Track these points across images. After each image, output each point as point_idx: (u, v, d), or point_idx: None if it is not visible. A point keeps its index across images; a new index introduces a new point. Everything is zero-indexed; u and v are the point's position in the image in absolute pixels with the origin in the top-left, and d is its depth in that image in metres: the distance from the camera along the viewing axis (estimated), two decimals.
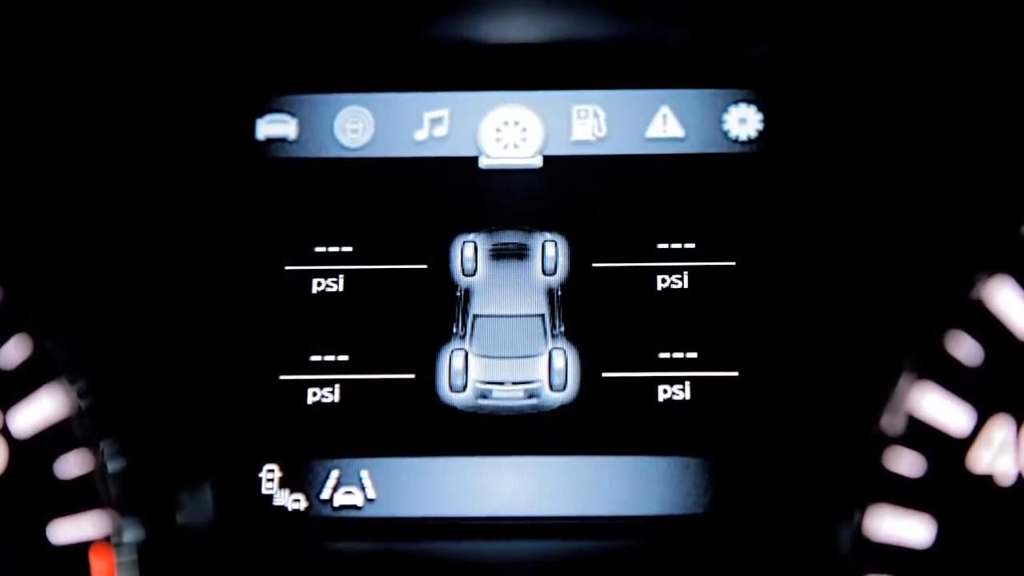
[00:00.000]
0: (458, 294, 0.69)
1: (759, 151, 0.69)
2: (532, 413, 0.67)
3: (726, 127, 0.70)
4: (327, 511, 0.67)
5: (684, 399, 0.67)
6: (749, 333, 0.68)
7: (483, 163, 0.70)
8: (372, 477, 0.67)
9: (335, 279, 0.69)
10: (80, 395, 0.64)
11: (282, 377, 0.68)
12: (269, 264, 0.69)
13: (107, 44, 0.69)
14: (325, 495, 0.67)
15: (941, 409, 0.63)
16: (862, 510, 0.62)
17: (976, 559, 0.62)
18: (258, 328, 0.68)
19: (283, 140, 0.70)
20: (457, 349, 0.68)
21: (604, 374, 0.67)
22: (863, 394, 0.64)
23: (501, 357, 0.68)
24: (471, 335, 0.68)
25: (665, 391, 0.67)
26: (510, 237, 0.69)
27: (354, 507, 0.67)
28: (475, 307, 0.68)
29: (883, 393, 0.63)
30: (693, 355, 0.68)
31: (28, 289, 0.65)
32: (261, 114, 0.70)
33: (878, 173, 0.67)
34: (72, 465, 0.64)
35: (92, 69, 0.69)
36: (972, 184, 0.66)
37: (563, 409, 0.67)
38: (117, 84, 0.69)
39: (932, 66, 0.68)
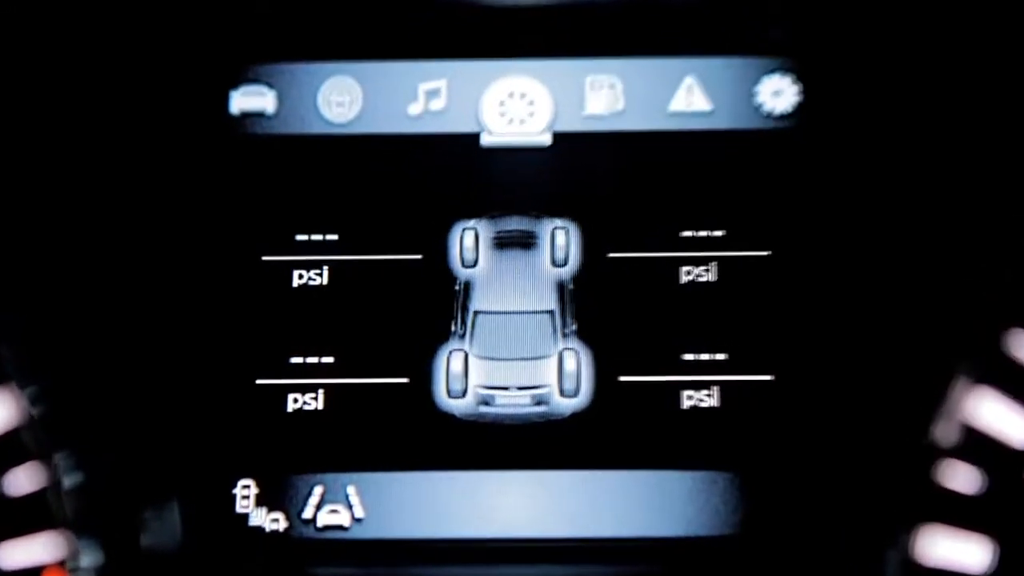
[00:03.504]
0: (457, 288, 0.69)
1: (796, 127, 0.69)
2: (540, 422, 0.67)
3: (759, 100, 0.70)
4: (309, 532, 0.67)
5: (711, 406, 0.67)
6: (785, 332, 0.67)
7: (485, 140, 0.70)
8: (360, 494, 0.67)
9: (319, 271, 0.69)
10: (32, 402, 0.64)
11: (259, 381, 0.68)
12: (245, 254, 0.69)
13: (62, 5, 0.69)
14: (307, 514, 0.67)
15: (1000, 418, 0.63)
16: (912, 531, 0.62)
17: None
18: (232, 326, 0.68)
19: (260, 115, 0.70)
20: (456, 350, 0.68)
21: (621, 378, 0.67)
22: (913, 401, 0.64)
23: (505, 359, 0.68)
24: (471, 334, 0.68)
25: (690, 397, 0.67)
26: (515, 224, 0.69)
27: (340, 527, 0.67)
28: (476, 302, 0.68)
29: (936, 400, 0.63)
30: (722, 357, 0.68)
31: None
32: (235, 85, 0.70)
33: (929, 152, 0.67)
34: (23, 481, 0.64)
35: (44, 34, 0.69)
36: None
37: (575, 417, 0.67)
38: (72, 51, 0.69)
39: (989, 29, 0.68)
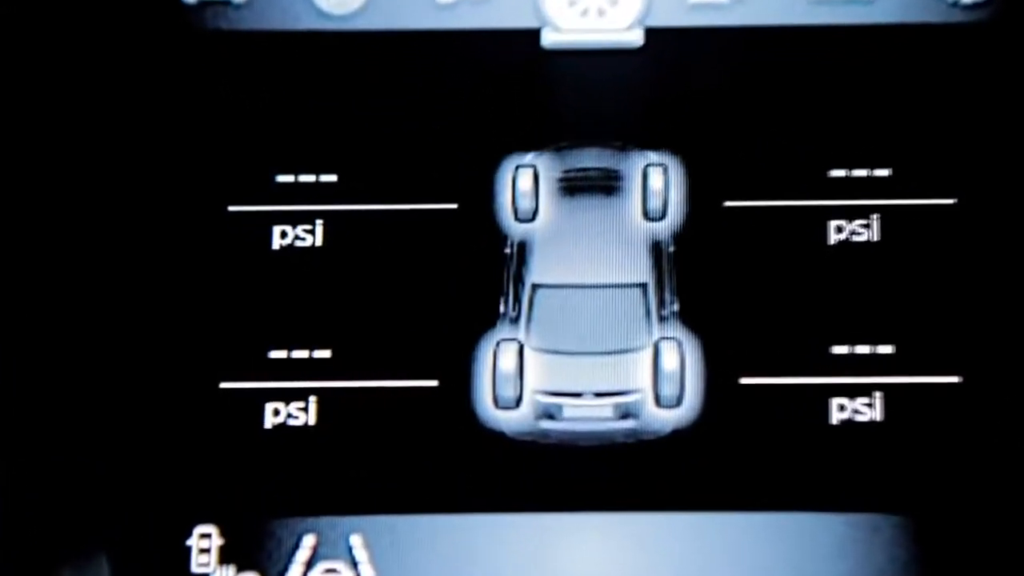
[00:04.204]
0: (508, 251, 0.63)
1: (992, 19, 0.64)
2: (628, 443, 0.61)
3: None
4: None
5: (873, 420, 0.60)
6: (976, 315, 0.61)
7: (548, 40, 0.65)
8: (368, 546, 0.60)
9: (309, 227, 0.63)
10: None
11: (225, 385, 0.62)
12: (206, 202, 0.64)
13: None
14: (294, 574, 0.60)
15: None
16: None
17: None
18: (189, 306, 0.63)
19: (225, 2, 0.66)
20: (506, 340, 0.62)
21: (743, 380, 0.61)
22: None
23: (576, 353, 0.62)
24: (529, 317, 0.62)
25: (842, 408, 0.61)
26: (592, 159, 0.63)
27: None
28: (535, 272, 0.62)
29: None
30: (887, 350, 0.61)
31: None
32: None
33: None
34: None
35: None
36: None
37: (678, 436, 0.61)
38: None
39: None
